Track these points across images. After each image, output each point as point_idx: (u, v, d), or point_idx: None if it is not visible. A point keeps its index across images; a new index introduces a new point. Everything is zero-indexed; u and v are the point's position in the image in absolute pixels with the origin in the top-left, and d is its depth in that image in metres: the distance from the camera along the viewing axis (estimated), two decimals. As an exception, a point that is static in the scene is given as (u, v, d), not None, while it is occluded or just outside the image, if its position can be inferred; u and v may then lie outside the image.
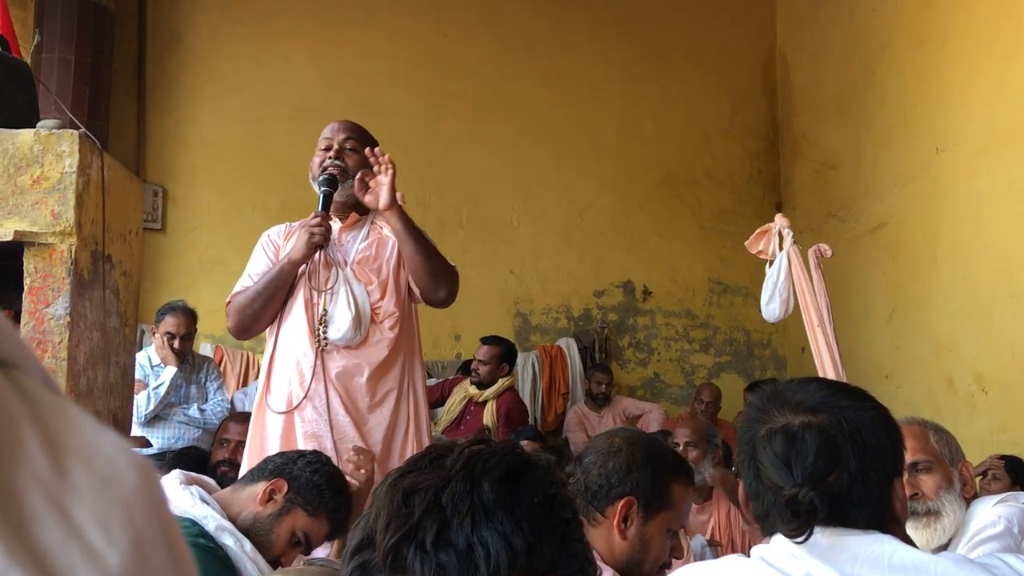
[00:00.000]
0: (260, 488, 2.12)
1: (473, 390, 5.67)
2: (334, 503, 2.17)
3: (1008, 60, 4.96)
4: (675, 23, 7.70)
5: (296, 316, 2.84)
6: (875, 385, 5.90)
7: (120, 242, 2.93)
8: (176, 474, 2.15)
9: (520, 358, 6.87)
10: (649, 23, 7.64)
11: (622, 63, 7.59)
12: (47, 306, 2.60)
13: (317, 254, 2.83)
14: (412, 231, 2.85)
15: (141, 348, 4.93)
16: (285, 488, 2.12)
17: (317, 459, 2.21)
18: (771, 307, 3.57)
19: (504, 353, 5.69)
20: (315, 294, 2.83)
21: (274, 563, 2.12)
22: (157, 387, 4.56)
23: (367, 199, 2.86)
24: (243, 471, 2.68)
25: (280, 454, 2.29)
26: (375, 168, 2.83)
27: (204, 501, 2.04)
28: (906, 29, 5.98)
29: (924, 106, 5.76)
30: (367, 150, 2.84)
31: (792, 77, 7.68)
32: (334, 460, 2.70)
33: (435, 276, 2.87)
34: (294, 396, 2.77)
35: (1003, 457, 4.69)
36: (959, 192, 5.40)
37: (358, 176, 2.86)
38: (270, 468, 2.17)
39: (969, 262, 5.30)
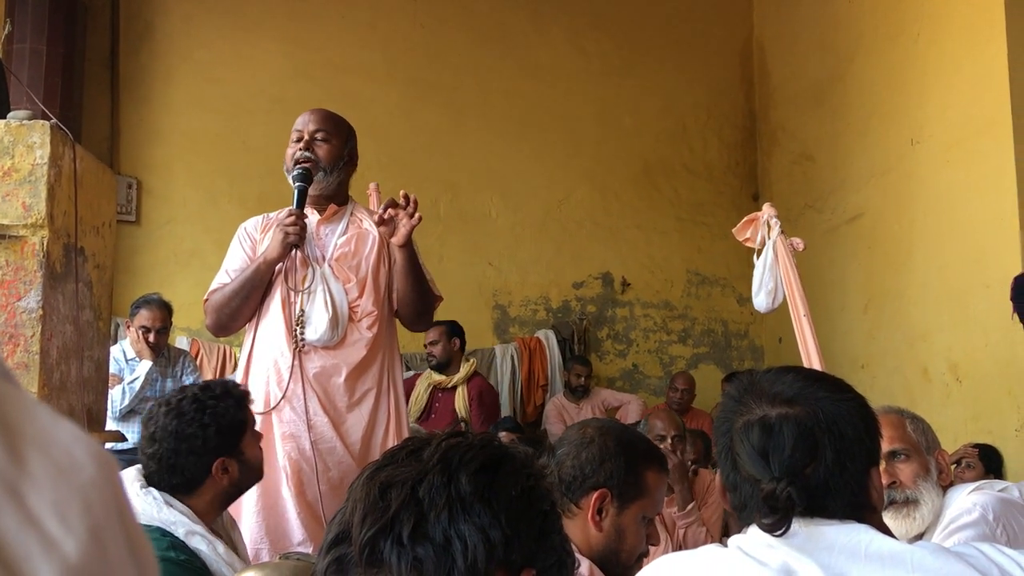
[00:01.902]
0: (205, 485, 2.03)
1: (437, 376, 5.69)
2: (225, 415, 2.05)
3: (983, 51, 4.99)
4: (652, 14, 7.70)
5: (273, 315, 2.81)
6: (851, 375, 5.95)
7: (93, 234, 2.89)
8: (134, 475, 2.04)
9: (499, 350, 6.88)
10: (626, 14, 7.64)
11: (599, 54, 7.58)
12: (19, 299, 2.56)
13: (293, 252, 2.80)
14: (415, 270, 2.84)
15: (116, 342, 4.88)
16: (219, 461, 2.04)
17: (171, 415, 2.02)
18: (759, 298, 3.58)
19: (450, 329, 5.75)
20: (292, 294, 2.80)
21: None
22: (132, 382, 4.52)
23: (381, 229, 2.83)
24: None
25: (145, 444, 2.06)
26: (402, 204, 2.78)
27: (168, 504, 1.97)
28: (882, 20, 6.01)
29: (900, 97, 5.79)
30: (401, 192, 2.80)
31: (769, 68, 7.70)
32: (312, 463, 2.68)
33: (420, 314, 2.93)
34: (272, 396, 2.74)
35: (976, 445, 4.75)
36: (934, 183, 5.45)
37: (383, 209, 2.81)
38: (168, 468, 2.01)
39: (944, 252, 5.34)
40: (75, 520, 0.40)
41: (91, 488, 0.42)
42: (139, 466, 2.08)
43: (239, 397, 2.10)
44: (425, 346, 5.84)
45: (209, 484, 2.04)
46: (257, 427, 2.72)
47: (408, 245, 2.81)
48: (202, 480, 2.03)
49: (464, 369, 5.70)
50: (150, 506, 1.95)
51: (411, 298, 2.86)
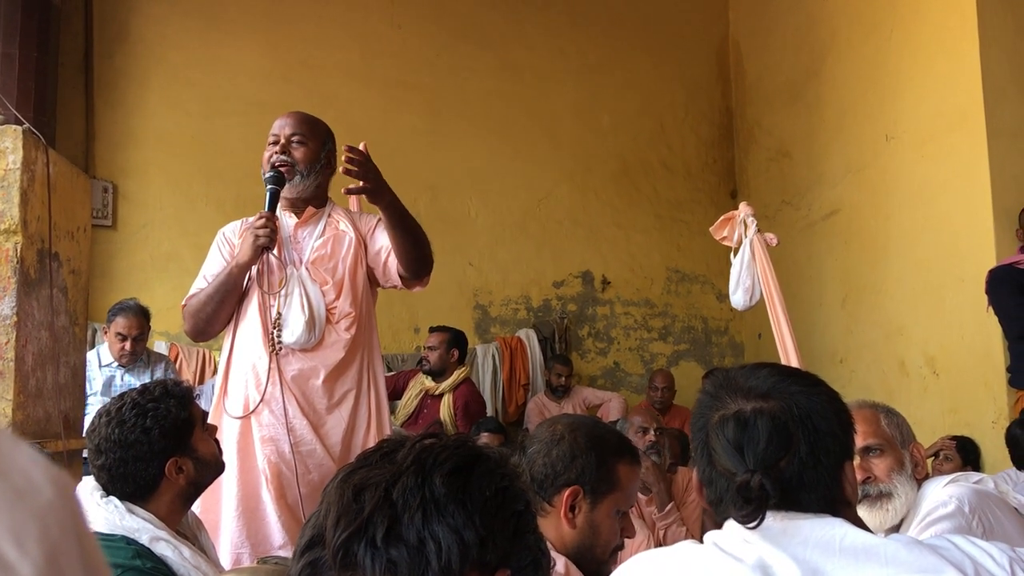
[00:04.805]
0: (161, 488, 1.99)
1: (429, 383, 5.66)
2: (167, 416, 1.99)
3: (956, 47, 5.04)
4: (629, 12, 7.72)
5: (251, 319, 2.80)
6: (829, 369, 5.99)
7: (68, 239, 2.88)
8: (93, 484, 1.99)
9: (480, 350, 6.87)
10: (603, 13, 7.66)
11: (577, 53, 7.60)
12: (-7, 306, 2.54)
13: (266, 255, 2.79)
14: (402, 222, 2.78)
15: (93, 347, 4.85)
16: (172, 462, 1.99)
17: (113, 424, 1.98)
18: (736, 296, 3.61)
19: (453, 338, 5.70)
20: (268, 297, 2.79)
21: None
22: (91, 395, 4.45)
23: (355, 196, 2.84)
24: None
25: (92, 457, 2.01)
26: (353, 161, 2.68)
27: (131, 511, 1.94)
28: (856, 17, 6.06)
29: (874, 94, 5.84)
30: (344, 148, 2.69)
31: (745, 65, 7.74)
32: (292, 466, 2.67)
33: (421, 260, 2.84)
34: (250, 400, 2.73)
35: (954, 438, 4.79)
36: (909, 178, 5.49)
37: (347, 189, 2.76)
38: (120, 478, 1.97)
39: (920, 247, 5.39)
40: (31, 544, 0.40)
41: (48, 512, 0.42)
42: (93, 476, 2.03)
43: (181, 395, 2.04)
44: (423, 348, 5.80)
45: (166, 486, 1.99)
46: (236, 430, 2.71)
47: (384, 200, 2.73)
48: (157, 484, 1.98)
49: (453, 377, 5.64)
50: (112, 514, 1.92)
51: (407, 249, 2.79)
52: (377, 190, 2.71)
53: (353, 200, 3.94)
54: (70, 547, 0.42)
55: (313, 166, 2.87)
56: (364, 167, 2.67)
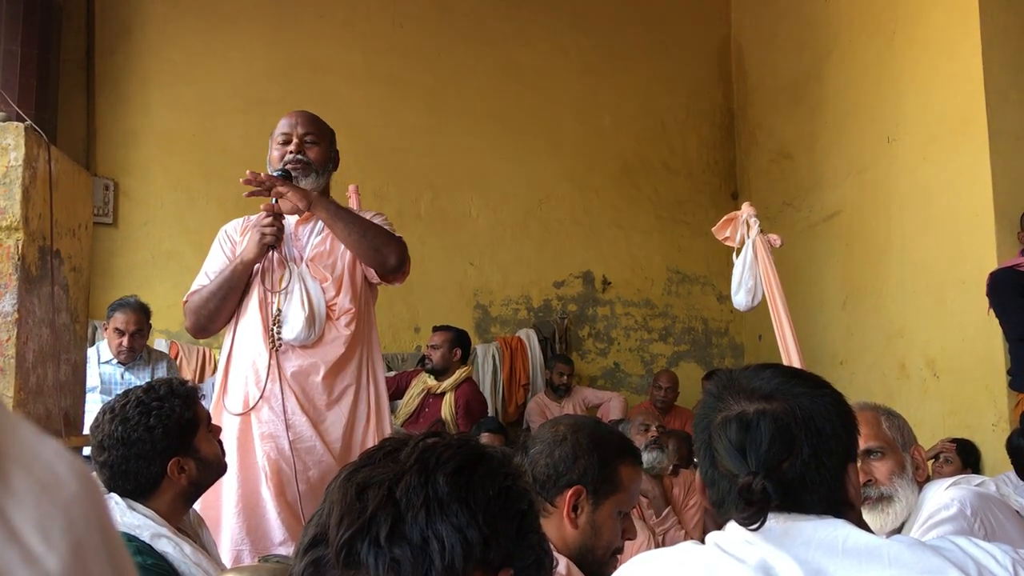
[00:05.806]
0: (162, 487, 1.98)
1: (431, 381, 5.67)
2: (171, 416, 1.98)
3: (958, 50, 5.04)
4: (631, 13, 7.72)
5: (251, 316, 2.81)
6: (830, 371, 5.99)
7: (69, 237, 2.87)
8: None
9: (480, 350, 6.87)
10: (605, 14, 7.66)
11: (578, 53, 7.60)
12: (-7, 303, 2.54)
13: (270, 253, 2.80)
14: (338, 218, 2.81)
15: (93, 344, 4.85)
16: (174, 462, 1.98)
17: (116, 421, 1.97)
18: (739, 296, 3.61)
19: (456, 337, 5.71)
20: (269, 293, 2.80)
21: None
22: (91, 389, 4.45)
23: (287, 208, 2.86)
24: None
25: (95, 453, 2.01)
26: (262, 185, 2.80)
27: (131, 508, 1.94)
28: (857, 19, 6.06)
29: (876, 96, 5.83)
30: (245, 176, 2.78)
31: (747, 67, 7.74)
32: (291, 463, 2.67)
33: (377, 248, 2.81)
34: (250, 397, 2.74)
35: (954, 440, 4.79)
36: (911, 180, 5.49)
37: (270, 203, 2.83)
38: (121, 475, 1.96)
39: (921, 249, 5.39)
40: (57, 537, 0.41)
41: (73, 505, 0.43)
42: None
43: (185, 395, 2.04)
44: (426, 347, 5.81)
45: (167, 485, 1.99)
46: (236, 427, 2.71)
47: (318, 204, 2.80)
48: (158, 483, 1.98)
49: (455, 376, 5.65)
50: (113, 511, 1.91)
51: (355, 240, 2.80)
52: (299, 198, 2.78)
53: (353, 197, 3.96)
54: (95, 540, 0.43)
55: (326, 165, 2.92)
56: (260, 183, 2.77)
